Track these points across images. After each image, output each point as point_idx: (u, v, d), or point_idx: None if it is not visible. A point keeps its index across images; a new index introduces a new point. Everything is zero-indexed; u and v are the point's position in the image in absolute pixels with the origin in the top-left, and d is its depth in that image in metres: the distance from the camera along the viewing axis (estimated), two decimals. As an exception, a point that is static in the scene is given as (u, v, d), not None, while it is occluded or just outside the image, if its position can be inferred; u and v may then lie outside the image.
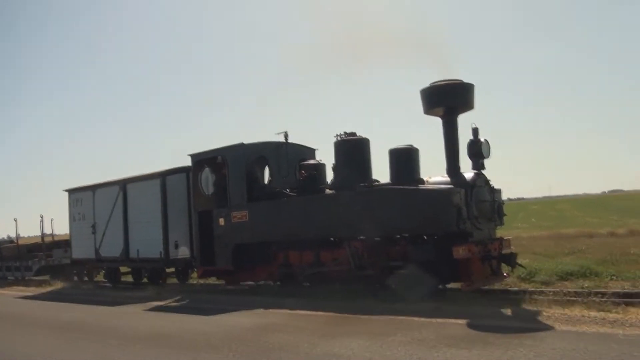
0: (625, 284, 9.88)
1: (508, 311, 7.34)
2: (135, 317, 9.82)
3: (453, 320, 6.95)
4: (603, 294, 8.10)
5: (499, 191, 10.20)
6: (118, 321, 9.51)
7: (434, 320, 7.14)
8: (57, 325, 9.63)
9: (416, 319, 7.32)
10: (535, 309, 7.29)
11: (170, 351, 6.75)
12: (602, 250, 13.82)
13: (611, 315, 6.50)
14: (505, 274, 10.12)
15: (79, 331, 8.76)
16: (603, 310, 6.78)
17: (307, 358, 5.83)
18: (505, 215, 10.23)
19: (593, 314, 6.64)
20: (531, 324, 6.43)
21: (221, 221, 12.12)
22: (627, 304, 7.44)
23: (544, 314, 6.91)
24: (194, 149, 13.24)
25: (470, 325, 6.60)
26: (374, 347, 6.05)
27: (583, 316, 6.58)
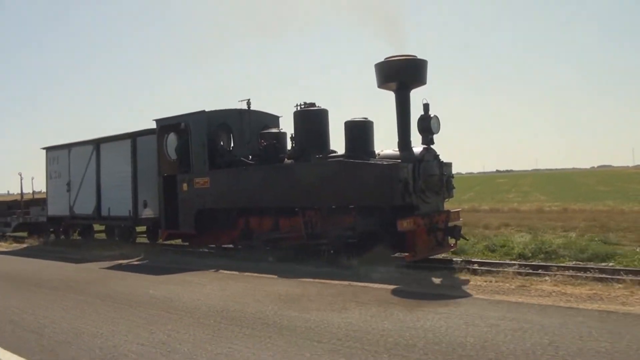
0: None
1: (438, 280, 7.74)
2: (90, 273, 10.21)
3: (379, 285, 7.36)
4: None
5: (449, 165, 10.53)
6: (73, 276, 9.93)
7: (359, 284, 7.59)
8: (18, 279, 10.08)
9: (344, 282, 7.76)
10: (463, 278, 7.72)
11: (97, 302, 7.34)
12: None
13: (534, 287, 6.93)
14: (451, 245, 10.51)
15: (36, 286, 9.18)
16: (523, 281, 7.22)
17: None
18: (454, 188, 10.59)
19: (510, 284, 7.07)
20: (453, 292, 6.79)
21: (184, 186, 12.42)
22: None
23: (470, 283, 7.33)
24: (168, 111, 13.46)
25: (395, 291, 6.98)
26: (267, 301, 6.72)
27: (502, 286, 7.02)
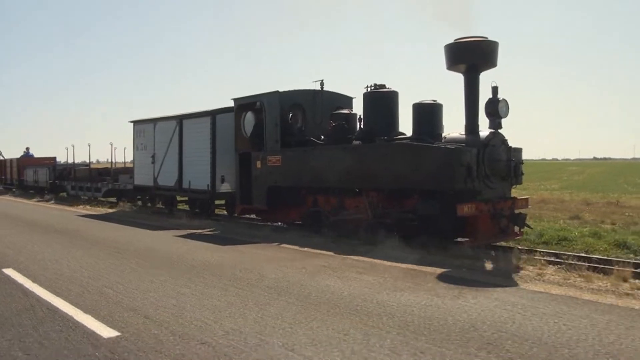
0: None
1: (489, 266, 7.69)
2: (160, 239, 11.02)
3: (426, 268, 7.45)
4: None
5: (518, 150, 10.30)
6: (143, 241, 10.75)
7: (406, 266, 7.74)
8: (91, 240, 11.10)
9: (388, 263, 7.94)
10: (516, 266, 7.61)
11: (156, 265, 8.19)
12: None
13: (575, 280, 6.77)
14: (516, 233, 10.31)
15: (100, 245, 10.30)
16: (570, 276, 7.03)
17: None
18: (522, 174, 10.35)
19: (561, 276, 6.95)
20: (499, 280, 6.73)
21: (258, 164, 12.87)
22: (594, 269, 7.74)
23: (521, 272, 7.24)
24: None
25: (440, 276, 7.03)
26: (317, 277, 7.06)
27: (551, 278, 6.90)
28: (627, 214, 15.01)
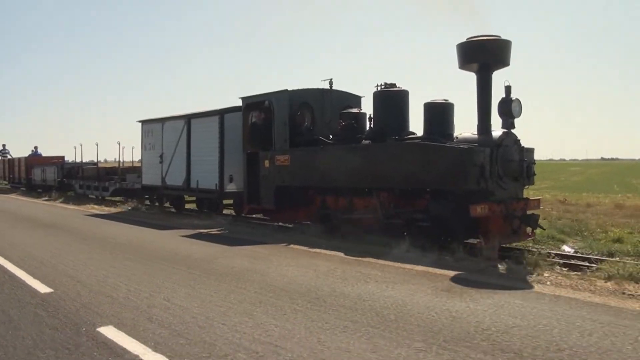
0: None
1: (503, 269, 7.56)
2: (165, 239, 11.01)
3: (440, 271, 7.33)
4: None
5: (531, 151, 10.15)
6: (147, 240, 10.77)
7: (418, 267, 7.67)
8: (92, 238, 11.19)
9: (404, 265, 7.83)
10: (530, 269, 7.47)
11: (155, 262, 8.44)
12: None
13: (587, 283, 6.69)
14: (528, 234, 10.16)
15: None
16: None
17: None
18: (535, 174, 10.20)
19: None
20: (514, 283, 6.61)
21: (266, 163, 12.76)
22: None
23: (536, 275, 7.10)
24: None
25: (454, 278, 6.91)
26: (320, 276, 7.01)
27: (561, 280, 6.81)
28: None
